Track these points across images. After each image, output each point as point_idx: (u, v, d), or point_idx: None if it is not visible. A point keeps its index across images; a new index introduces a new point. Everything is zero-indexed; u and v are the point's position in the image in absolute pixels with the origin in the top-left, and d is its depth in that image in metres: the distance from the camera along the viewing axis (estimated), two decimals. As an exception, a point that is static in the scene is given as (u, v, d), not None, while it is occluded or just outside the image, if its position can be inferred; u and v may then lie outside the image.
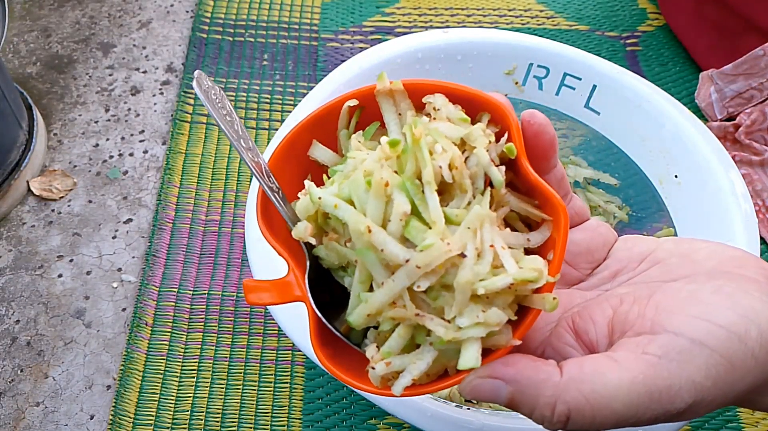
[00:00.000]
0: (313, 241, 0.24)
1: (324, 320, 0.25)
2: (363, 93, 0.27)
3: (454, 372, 0.24)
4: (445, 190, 0.23)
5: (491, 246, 0.22)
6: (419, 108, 0.26)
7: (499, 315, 0.22)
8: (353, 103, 0.27)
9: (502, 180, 0.24)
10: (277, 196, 0.26)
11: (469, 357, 0.22)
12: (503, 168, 0.24)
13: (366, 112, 0.27)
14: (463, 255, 0.22)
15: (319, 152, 0.28)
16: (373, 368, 0.23)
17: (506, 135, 0.25)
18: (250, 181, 0.42)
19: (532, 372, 0.23)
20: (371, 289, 0.23)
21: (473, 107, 0.26)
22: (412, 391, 0.23)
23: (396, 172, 0.23)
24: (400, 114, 0.26)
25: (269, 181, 0.26)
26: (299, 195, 0.26)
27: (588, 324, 0.25)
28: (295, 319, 0.36)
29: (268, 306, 0.37)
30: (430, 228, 0.22)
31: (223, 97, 0.27)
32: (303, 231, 0.24)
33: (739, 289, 0.23)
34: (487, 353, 0.23)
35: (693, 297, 0.23)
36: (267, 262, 0.38)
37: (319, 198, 0.24)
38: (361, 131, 0.27)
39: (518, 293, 0.23)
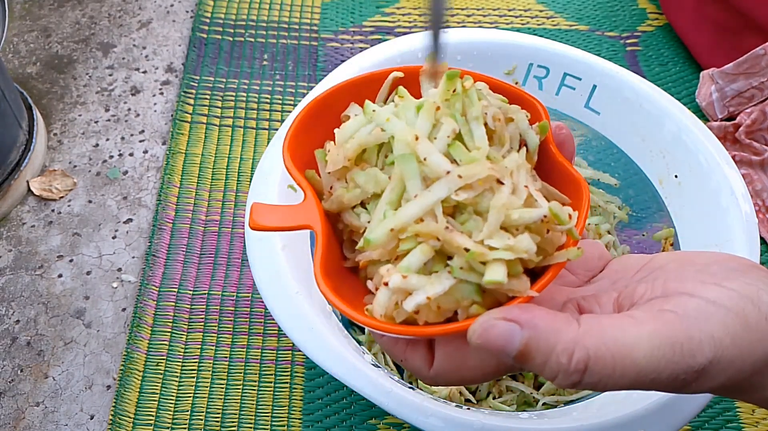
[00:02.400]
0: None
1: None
2: (407, 70, 0.28)
3: (465, 316, 0.23)
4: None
5: (525, 187, 0.23)
6: None
7: (529, 243, 0.22)
8: (400, 75, 0.28)
9: (538, 143, 0.25)
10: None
11: (497, 271, 0.21)
12: (538, 137, 0.26)
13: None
14: (501, 182, 0.22)
15: (358, 112, 0.28)
16: (386, 284, 0.22)
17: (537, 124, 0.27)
18: (250, 181, 0.42)
19: (549, 318, 0.21)
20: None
21: (510, 100, 0.27)
22: (417, 329, 0.23)
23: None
24: None
25: None
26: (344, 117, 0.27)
27: (594, 306, 0.25)
28: (295, 319, 0.36)
29: (267, 304, 0.37)
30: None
31: None
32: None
33: (745, 273, 0.23)
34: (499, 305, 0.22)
35: (701, 272, 0.23)
36: (267, 262, 0.38)
37: (374, 111, 0.25)
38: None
39: (540, 245, 0.23)
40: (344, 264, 0.26)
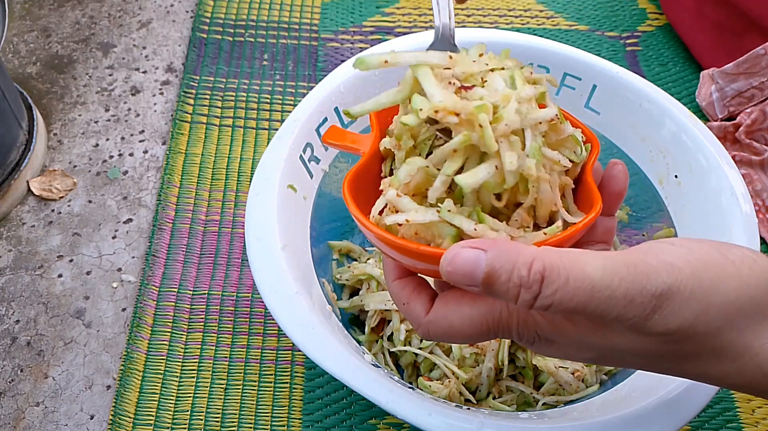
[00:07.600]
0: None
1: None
2: None
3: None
4: None
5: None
6: None
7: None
8: None
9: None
10: None
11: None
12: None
13: None
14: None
15: None
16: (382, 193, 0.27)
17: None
18: (250, 181, 0.42)
19: (511, 242, 0.24)
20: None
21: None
22: (393, 237, 0.26)
23: None
24: None
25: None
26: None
27: None
28: (295, 319, 0.36)
29: (267, 304, 0.37)
30: None
31: None
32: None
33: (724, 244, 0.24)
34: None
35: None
36: (267, 262, 0.38)
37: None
38: None
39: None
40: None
